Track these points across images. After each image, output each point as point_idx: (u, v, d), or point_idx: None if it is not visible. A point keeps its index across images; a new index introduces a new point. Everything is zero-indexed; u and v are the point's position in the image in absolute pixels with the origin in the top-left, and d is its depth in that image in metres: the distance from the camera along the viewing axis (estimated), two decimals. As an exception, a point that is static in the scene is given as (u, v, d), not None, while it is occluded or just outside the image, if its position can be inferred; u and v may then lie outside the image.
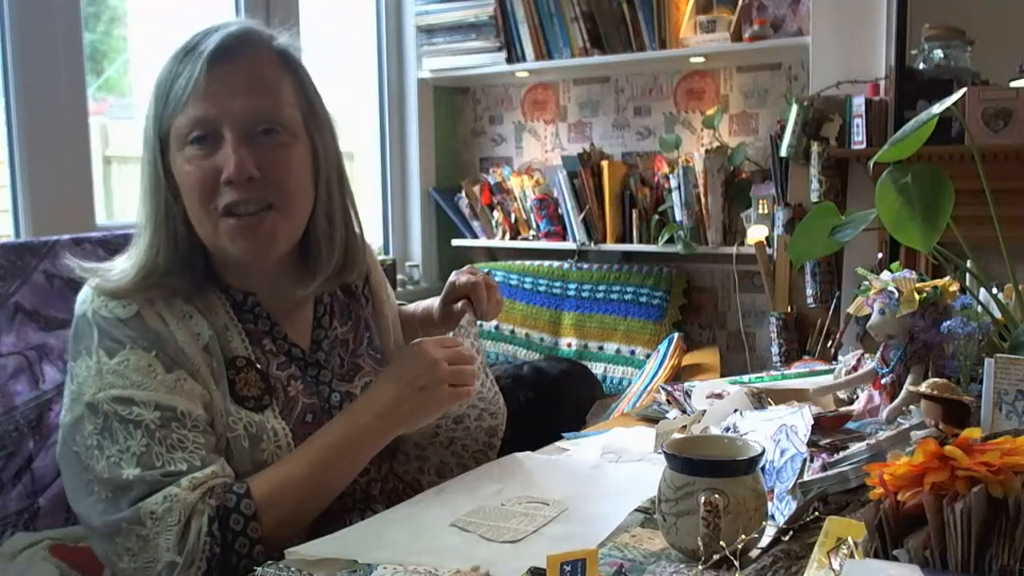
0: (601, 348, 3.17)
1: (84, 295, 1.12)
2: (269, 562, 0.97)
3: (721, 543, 0.88)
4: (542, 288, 3.34)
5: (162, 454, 1.02)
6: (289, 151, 1.11)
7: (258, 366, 1.13)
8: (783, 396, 1.36)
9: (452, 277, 1.40)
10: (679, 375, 2.78)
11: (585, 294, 3.26)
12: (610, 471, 1.26)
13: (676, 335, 2.93)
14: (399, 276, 3.55)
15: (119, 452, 1.02)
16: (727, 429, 1.21)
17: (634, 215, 3.23)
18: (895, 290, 1.27)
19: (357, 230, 1.23)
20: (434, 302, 1.44)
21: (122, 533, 1.01)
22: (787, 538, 0.96)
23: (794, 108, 2.78)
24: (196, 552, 0.99)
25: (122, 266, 1.12)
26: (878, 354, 1.31)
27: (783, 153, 2.82)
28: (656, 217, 3.20)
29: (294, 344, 1.19)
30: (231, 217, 1.08)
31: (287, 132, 1.11)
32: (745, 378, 1.59)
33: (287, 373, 1.17)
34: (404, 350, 1.20)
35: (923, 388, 1.15)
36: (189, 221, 1.11)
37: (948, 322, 1.22)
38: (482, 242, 3.61)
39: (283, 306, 1.20)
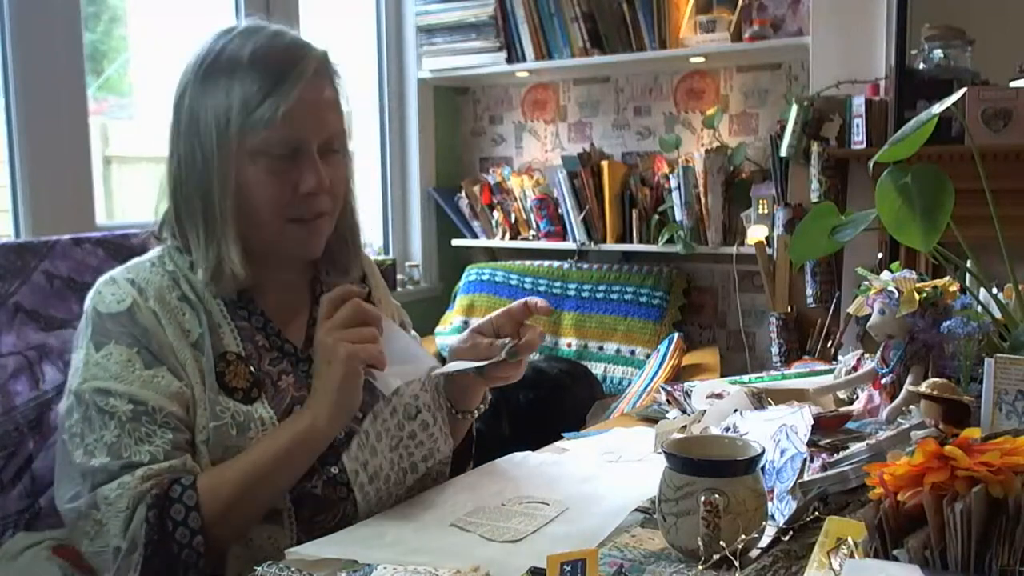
0: (601, 348, 3.17)
1: (94, 288, 1.18)
2: (269, 562, 0.97)
3: (721, 543, 0.88)
4: (542, 288, 3.34)
5: (130, 445, 1.08)
6: (340, 164, 1.21)
7: (248, 361, 1.17)
8: (783, 396, 1.35)
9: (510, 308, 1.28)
10: (679, 375, 2.78)
11: (585, 294, 3.26)
12: (610, 471, 1.26)
13: (676, 335, 2.93)
14: (399, 276, 3.55)
15: (95, 441, 1.09)
16: (727, 429, 1.21)
17: (634, 215, 3.23)
18: (895, 290, 1.27)
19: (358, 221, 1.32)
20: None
21: (82, 517, 1.08)
22: (787, 538, 0.96)
23: (794, 108, 2.78)
24: (138, 538, 1.04)
25: (150, 259, 1.20)
26: (878, 354, 1.31)
27: (783, 153, 2.82)
28: (656, 217, 3.20)
29: (287, 340, 1.23)
30: (297, 223, 1.18)
31: (342, 148, 1.22)
32: (745, 378, 1.59)
33: (279, 368, 1.20)
34: None
35: (923, 388, 1.15)
36: (242, 217, 1.17)
37: (948, 322, 1.22)
38: (482, 242, 3.61)
39: (280, 306, 1.24)
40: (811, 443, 1.09)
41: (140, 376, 1.10)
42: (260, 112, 1.12)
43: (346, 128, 1.23)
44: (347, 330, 1.10)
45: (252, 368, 1.17)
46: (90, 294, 1.17)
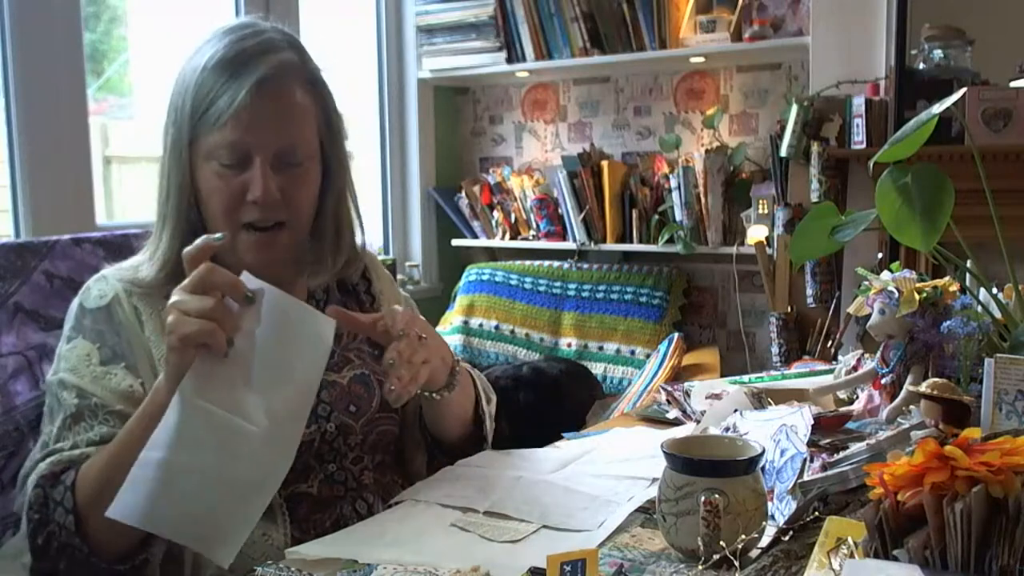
0: (601, 348, 3.17)
1: (86, 283, 1.20)
2: (269, 562, 0.97)
3: (721, 543, 0.88)
4: (542, 288, 3.34)
5: (68, 436, 1.10)
6: (305, 175, 1.18)
7: None
8: (783, 396, 1.36)
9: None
10: (679, 375, 2.78)
11: (585, 294, 3.26)
12: (610, 470, 1.26)
13: (676, 335, 2.93)
14: (399, 276, 3.55)
15: (48, 432, 1.12)
16: (727, 429, 1.21)
17: (634, 215, 3.23)
18: (895, 290, 1.27)
19: (358, 229, 1.29)
20: None
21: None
22: (787, 538, 0.96)
23: (794, 108, 2.78)
24: (28, 517, 1.06)
25: (141, 261, 1.19)
26: (878, 354, 1.31)
27: (783, 153, 2.82)
28: (656, 217, 3.20)
29: None
30: (250, 231, 1.15)
31: (306, 159, 1.17)
32: (745, 378, 1.60)
33: None
34: None
35: (923, 388, 1.15)
36: (203, 219, 1.17)
37: (948, 322, 1.22)
38: (482, 242, 3.61)
39: None
40: (811, 443, 1.09)
41: (93, 372, 1.12)
42: (209, 114, 1.11)
43: (332, 138, 1.20)
44: (188, 297, 0.97)
45: None
46: (82, 288, 1.19)
